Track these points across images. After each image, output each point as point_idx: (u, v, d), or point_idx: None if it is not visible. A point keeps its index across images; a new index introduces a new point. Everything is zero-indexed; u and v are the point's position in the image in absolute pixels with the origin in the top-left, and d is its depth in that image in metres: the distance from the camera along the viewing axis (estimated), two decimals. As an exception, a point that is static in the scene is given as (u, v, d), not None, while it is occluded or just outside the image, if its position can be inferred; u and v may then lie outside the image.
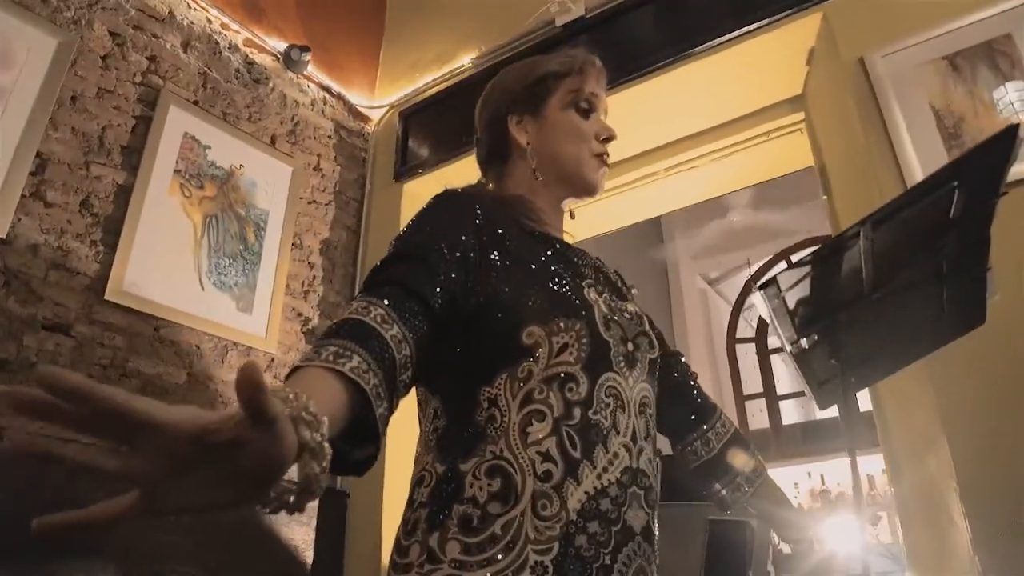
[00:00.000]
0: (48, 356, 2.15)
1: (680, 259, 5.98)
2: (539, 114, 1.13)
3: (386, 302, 0.81)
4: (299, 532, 2.61)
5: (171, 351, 2.46)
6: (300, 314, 2.96)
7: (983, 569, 1.64)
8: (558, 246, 1.07)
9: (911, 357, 1.32)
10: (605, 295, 1.04)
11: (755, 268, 5.54)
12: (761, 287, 1.02)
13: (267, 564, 2.49)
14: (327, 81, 3.36)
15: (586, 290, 1.01)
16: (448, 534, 0.85)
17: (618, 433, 0.93)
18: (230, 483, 0.53)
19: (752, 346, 5.49)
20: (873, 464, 4.48)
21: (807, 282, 1.03)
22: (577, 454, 0.89)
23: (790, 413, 5.79)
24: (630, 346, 1.01)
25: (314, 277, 3.06)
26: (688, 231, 5.81)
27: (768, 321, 1.14)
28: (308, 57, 3.14)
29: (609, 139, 1.13)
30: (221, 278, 2.65)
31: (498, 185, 1.17)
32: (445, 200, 1.00)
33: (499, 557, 0.83)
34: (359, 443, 0.74)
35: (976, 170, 0.95)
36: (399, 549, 0.90)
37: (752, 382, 5.53)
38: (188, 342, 2.51)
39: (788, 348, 1.16)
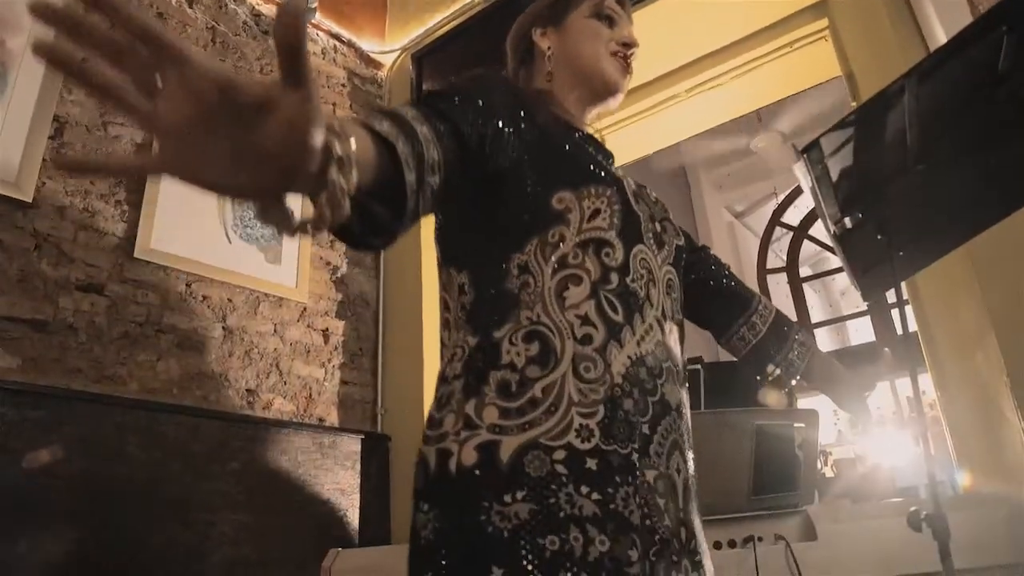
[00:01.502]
0: (84, 316, 2.17)
1: (705, 193, 5.88)
2: (561, 24, 1.15)
3: (418, 112, 0.76)
4: (344, 476, 2.65)
5: (204, 305, 2.47)
6: (329, 263, 2.96)
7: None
8: (584, 134, 1.09)
9: (963, 236, 1.27)
10: (630, 179, 1.06)
11: (782, 197, 5.43)
12: (804, 150, 0.98)
13: (315, 508, 2.53)
14: (336, 29, 3.31)
15: (614, 168, 1.03)
16: (485, 400, 0.84)
17: (652, 306, 0.94)
18: (252, 160, 0.49)
19: (783, 276, 5.41)
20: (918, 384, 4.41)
21: (850, 147, 0.98)
22: (619, 318, 0.89)
23: (824, 341, 5.73)
24: (658, 226, 1.02)
25: (339, 225, 3.05)
26: (711, 163, 5.71)
27: (811, 196, 1.10)
28: (315, 5, 3.08)
29: (630, 45, 1.13)
30: (247, 231, 2.65)
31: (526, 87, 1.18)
32: (482, 72, 0.99)
33: (541, 419, 0.81)
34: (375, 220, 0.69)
35: (1028, 13, 0.89)
36: (431, 422, 0.88)
37: (785, 312, 5.46)
38: (220, 296, 2.52)
39: (832, 228, 1.12)
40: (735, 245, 6.03)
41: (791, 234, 5.08)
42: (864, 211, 1.08)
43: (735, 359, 1.28)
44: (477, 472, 0.80)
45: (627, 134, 3.08)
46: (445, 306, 1.01)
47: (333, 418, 2.76)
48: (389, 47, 3.46)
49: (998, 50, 0.89)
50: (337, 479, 2.62)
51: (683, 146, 4.76)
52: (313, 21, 3.18)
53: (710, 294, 1.23)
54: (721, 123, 3.26)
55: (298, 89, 0.48)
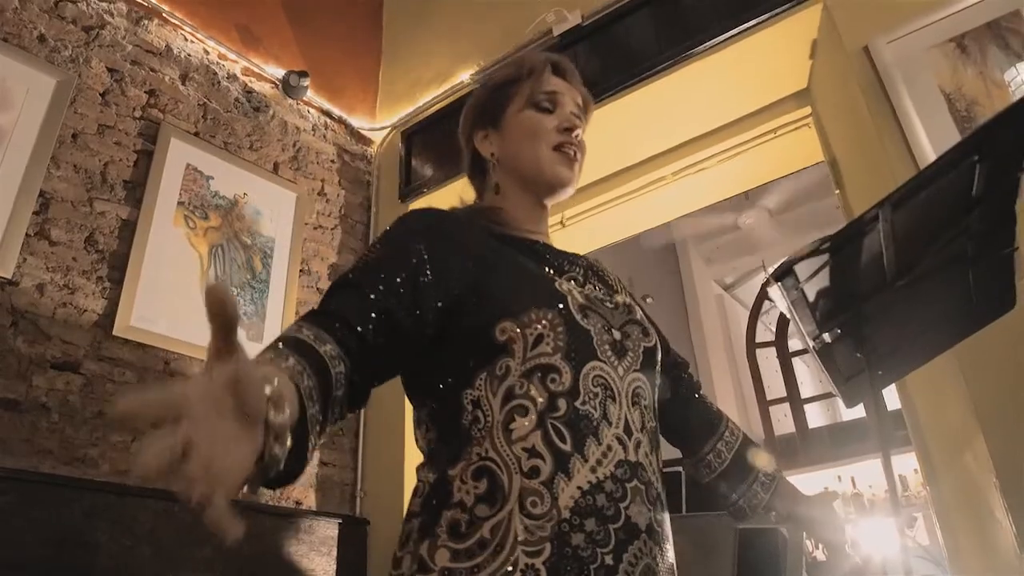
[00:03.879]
0: (58, 395, 2.13)
1: (694, 267, 5.92)
2: (499, 124, 1.13)
3: (318, 326, 0.78)
4: (320, 562, 2.56)
5: (182, 384, 2.42)
6: (311, 340, 2.93)
7: (1030, 566, 1.56)
8: (534, 247, 1.05)
9: (940, 347, 1.26)
10: (587, 287, 1.02)
11: (771, 270, 5.47)
12: (778, 278, 0.97)
13: (289, 596, 2.44)
14: (327, 106, 3.35)
15: (557, 282, 0.98)
16: (438, 542, 0.83)
17: (610, 424, 0.89)
18: (241, 426, 0.51)
19: (773, 350, 5.40)
20: (905, 464, 4.35)
21: (826, 271, 0.98)
22: (567, 447, 0.85)
23: (816, 416, 5.67)
24: (616, 334, 0.97)
25: (324, 302, 3.03)
26: (700, 238, 5.75)
27: (788, 315, 1.09)
28: (307, 82, 3.13)
29: (569, 129, 1.09)
30: (229, 308, 2.62)
31: (481, 198, 1.17)
32: (411, 217, 1.00)
33: (488, 562, 0.79)
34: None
35: (997, 143, 0.89)
36: (394, 561, 0.88)
37: (775, 387, 5.43)
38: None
39: (810, 344, 1.11)
40: (724, 317, 6.03)
41: (780, 308, 5.09)
42: (842, 327, 1.07)
43: None
44: None
45: (616, 214, 3.11)
46: (417, 442, 1.00)
47: (310, 501, 2.69)
48: (379, 124, 3.51)
49: (971, 177, 0.89)
50: (312, 565, 2.54)
51: (672, 222, 4.80)
52: (305, 98, 3.22)
53: (681, 414, 1.20)
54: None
55: (235, 355, 0.51)
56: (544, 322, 0.90)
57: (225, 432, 0.50)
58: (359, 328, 0.81)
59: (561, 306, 0.93)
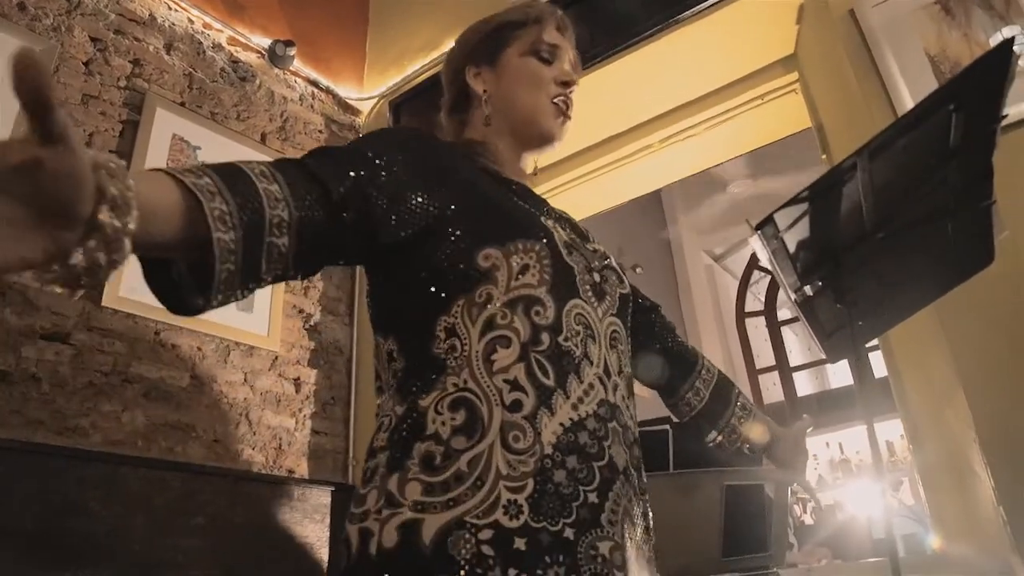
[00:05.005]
0: (48, 365, 2.13)
1: (684, 237, 5.94)
2: (496, 63, 1.10)
3: (276, 169, 0.72)
4: (313, 530, 2.59)
5: (172, 354, 2.43)
6: (301, 311, 2.94)
7: (1008, 519, 1.60)
8: (514, 186, 1.03)
9: (920, 302, 1.28)
10: (567, 229, 1.01)
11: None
12: (758, 227, 0.99)
13: (284, 563, 2.47)
14: (314, 75, 3.33)
15: (543, 218, 0.97)
16: (408, 475, 0.78)
17: (591, 363, 0.88)
18: (35, 223, 0.46)
19: (762, 320, 5.44)
20: (892, 430, 4.42)
21: (806, 221, 0.99)
22: (550, 382, 0.83)
23: (804, 384, 5.74)
24: (596, 276, 0.96)
25: (313, 273, 3.04)
26: (689, 208, 5.77)
27: (770, 267, 1.10)
28: (293, 52, 3.10)
29: (568, 84, 1.09)
30: (218, 279, 2.62)
31: (458, 136, 1.14)
32: (391, 128, 0.98)
33: (466, 495, 0.76)
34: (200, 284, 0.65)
35: (973, 92, 0.90)
36: (355, 499, 0.83)
37: (764, 356, 5.48)
38: (189, 344, 2.49)
39: (792, 296, 1.13)
40: (714, 288, 6.06)
41: (769, 277, 5.12)
42: (823, 279, 1.09)
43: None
44: (397, 554, 0.74)
45: (604, 182, 3.11)
46: (377, 375, 0.96)
47: (303, 469, 2.71)
48: (367, 94, 3.48)
49: (948, 126, 0.91)
50: (306, 532, 2.57)
51: (663, 193, 4.81)
52: (291, 68, 3.19)
53: (657, 356, 1.21)
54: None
55: (55, 143, 0.46)
56: (532, 253, 0.88)
57: None
58: (328, 185, 0.75)
59: (547, 240, 0.91)
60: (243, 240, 0.64)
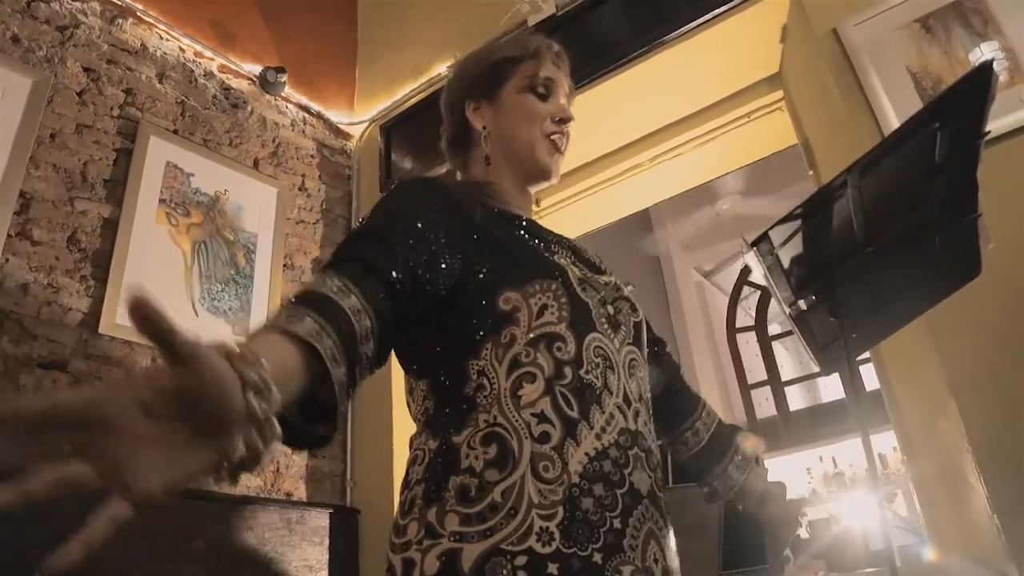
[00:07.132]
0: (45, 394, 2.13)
1: (673, 254, 5.98)
2: (495, 99, 1.13)
3: (343, 275, 0.76)
4: (312, 552, 2.58)
5: (169, 380, 2.43)
6: (297, 335, 2.94)
7: (1002, 527, 1.62)
8: (525, 223, 1.07)
9: (911, 314, 1.31)
10: (578, 265, 1.04)
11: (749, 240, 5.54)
12: (754, 243, 1.02)
13: (283, 588, 2.46)
14: (305, 101, 3.36)
15: (555, 256, 1.01)
16: (446, 507, 0.83)
17: (611, 393, 0.92)
18: (191, 439, 0.49)
19: (753, 335, 5.48)
20: (884, 442, 4.44)
21: (799, 237, 1.02)
22: (574, 414, 0.87)
23: (796, 399, 5.77)
24: (610, 308, 1.00)
25: (308, 297, 3.05)
26: (678, 225, 5.81)
27: (765, 282, 1.13)
28: (284, 78, 3.14)
29: (564, 120, 1.13)
30: (215, 304, 2.63)
31: (463, 172, 1.18)
32: (408, 184, 1.01)
33: (501, 524, 0.80)
34: (318, 416, 0.69)
35: (956, 110, 0.94)
36: (396, 529, 0.87)
37: (756, 371, 5.52)
38: (186, 370, 2.48)
39: (786, 311, 1.15)
40: (704, 304, 6.10)
41: (759, 292, 5.16)
42: (817, 293, 1.12)
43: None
44: None
45: (594, 202, 3.15)
46: (410, 409, 1.01)
47: (301, 492, 2.71)
48: (358, 118, 3.52)
49: (933, 144, 0.94)
50: (305, 555, 2.56)
51: (652, 212, 4.85)
52: (283, 94, 3.22)
53: (660, 392, 1.21)
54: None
55: (185, 364, 0.48)
56: (548, 293, 0.92)
57: (154, 437, 0.47)
58: (391, 274, 0.81)
59: (561, 279, 0.95)
60: (347, 367, 0.70)
